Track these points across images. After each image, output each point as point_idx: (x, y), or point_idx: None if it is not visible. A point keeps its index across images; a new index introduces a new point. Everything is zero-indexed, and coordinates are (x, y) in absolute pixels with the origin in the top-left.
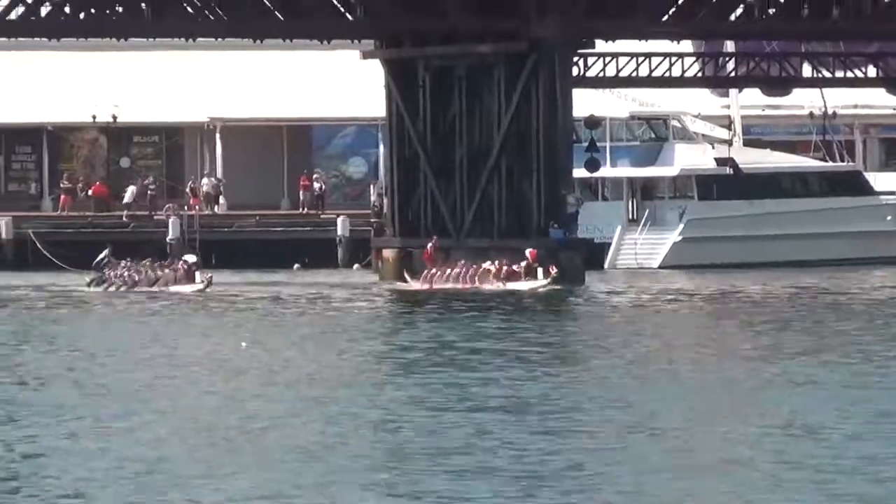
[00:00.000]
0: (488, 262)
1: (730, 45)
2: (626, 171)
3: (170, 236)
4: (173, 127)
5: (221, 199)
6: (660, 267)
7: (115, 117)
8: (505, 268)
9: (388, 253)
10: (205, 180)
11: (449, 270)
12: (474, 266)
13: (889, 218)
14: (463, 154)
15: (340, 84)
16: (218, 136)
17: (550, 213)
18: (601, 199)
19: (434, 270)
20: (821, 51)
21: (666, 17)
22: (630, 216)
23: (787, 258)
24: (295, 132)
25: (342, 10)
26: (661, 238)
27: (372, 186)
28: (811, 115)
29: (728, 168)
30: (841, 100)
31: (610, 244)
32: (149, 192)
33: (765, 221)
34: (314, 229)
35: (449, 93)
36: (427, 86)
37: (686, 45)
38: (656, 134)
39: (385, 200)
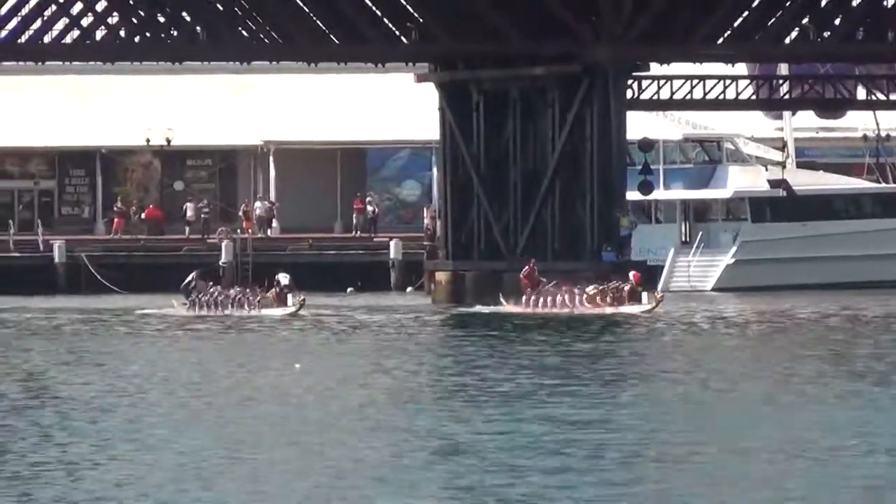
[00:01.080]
0: (591, 287)
1: (784, 68)
2: (679, 193)
3: (223, 260)
4: (227, 150)
5: (274, 223)
6: (713, 289)
7: (168, 140)
8: (609, 291)
9: (441, 276)
10: (258, 203)
11: (548, 294)
12: (576, 289)
13: None
14: (516, 177)
15: (394, 107)
16: (271, 159)
17: (604, 235)
18: (654, 221)
19: (532, 294)
20: (875, 73)
21: (720, 41)
22: (683, 238)
23: (840, 280)
24: (349, 155)
25: (397, 33)
26: (715, 260)
27: (425, 209)
28: (865, 137)
29: (781, 190)
30: (895, 122)
31: (663, 266)
32: (202, 215)
33: (818, 243)
34: (367, 252)
35: (503, 115)
36: (481, 108)
37: (740, 68)
38: (709, 156)
39: (438, 223)
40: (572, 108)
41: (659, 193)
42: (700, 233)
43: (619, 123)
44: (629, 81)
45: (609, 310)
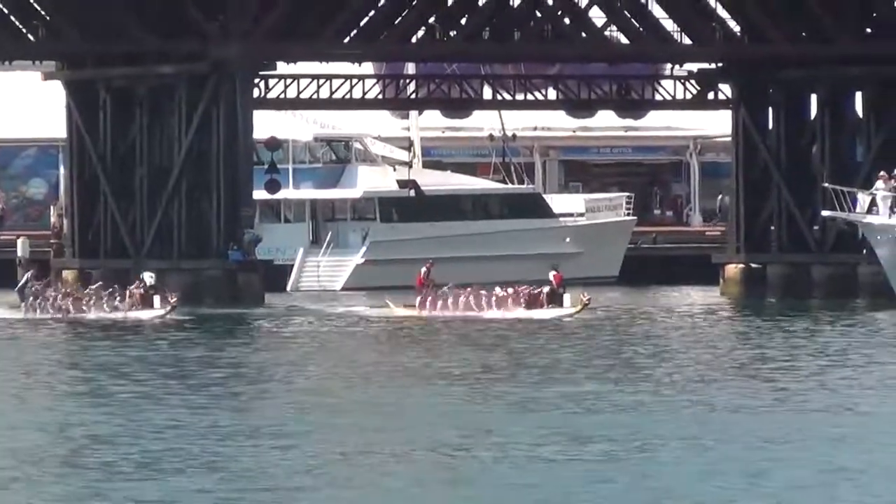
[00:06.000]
0: (498, 288)
1: (410, 67)
2: (308, 192)
3: None
4: None
5: None
6: (343, 289)
7: None
8: (525, 294)
9: (68, 274)
10: None
11: (453, 296)
12: (484, 292)
13: (568, 240)
14: (143, 175)
15: (22, 105)
16: None
17: (230, 234)
18: (283, 220)
19: (431, 296)
20: (501, 73)
21: (348, 40)
22: (312, 238)
23: (468, 280)
24: None
25: (23, 30)
26: (344, 260)
27: (52, 207)
28: (491, 136)
29: (410, 190)
30: (521, 122)
31: (292, 266)
32: None
33: (446, 243)
34: None
35: (130, 114)
36: (108, 107)
37: (367, 67)
38: (338, 156)
39: (65, 221)
40: (199, 106)
41: (288, 192)
42: (329, 232)
43: (245, 122)
44: (256, 80)
45: (522, 314)
